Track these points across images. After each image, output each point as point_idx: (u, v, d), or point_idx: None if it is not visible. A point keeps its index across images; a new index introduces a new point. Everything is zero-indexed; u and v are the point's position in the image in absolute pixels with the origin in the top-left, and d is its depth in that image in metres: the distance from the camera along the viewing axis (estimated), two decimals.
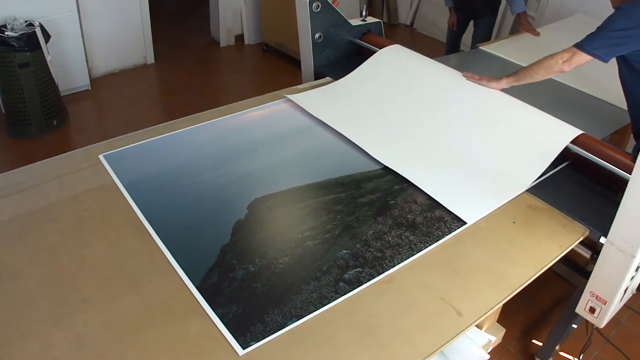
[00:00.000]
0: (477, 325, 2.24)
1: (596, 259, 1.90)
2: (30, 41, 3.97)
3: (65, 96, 4.60)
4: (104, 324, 1.50)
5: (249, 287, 1.63)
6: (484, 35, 4.37)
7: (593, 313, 2.00)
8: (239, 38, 6.11)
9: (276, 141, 2.39)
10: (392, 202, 2.03)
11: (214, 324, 1.50)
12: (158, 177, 2.13)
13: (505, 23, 5.48)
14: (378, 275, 1.68)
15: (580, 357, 2.48)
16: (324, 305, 1.57)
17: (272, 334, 1.48)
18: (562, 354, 2.56)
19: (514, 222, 1.93)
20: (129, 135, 2.36)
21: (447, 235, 1.86)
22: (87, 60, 4.91)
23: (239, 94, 4.18)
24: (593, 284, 1.95)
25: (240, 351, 1.42)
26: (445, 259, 1.77)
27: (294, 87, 2.82)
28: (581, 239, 1.91)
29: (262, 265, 1.71)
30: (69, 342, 1.44)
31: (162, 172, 2.16)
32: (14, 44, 3.89)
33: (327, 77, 2.92)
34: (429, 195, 2.04)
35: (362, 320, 1.54)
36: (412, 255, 1.76)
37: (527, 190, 2.08)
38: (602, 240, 1.88)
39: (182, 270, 1.67)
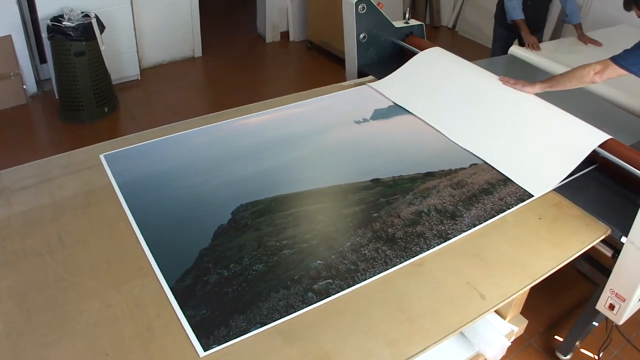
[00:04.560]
0: (501, 316, 2.36)
1: (617, 257, 2.00)
2: (86, 31, 4.16)
3: (116, 85, 4.79)
4: (161, 289, 1.66)
5: (220, 292, 1.66)
6: None
7: (612, 310, 2.09)
8: (285, 35, 6.24)
9: (272, 147, 2.40)
10: (375, 215, 2.02)
11: (181, 324, 1.56)
12: (154, 177, 2.17)
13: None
14: (348, 288, 1.69)
15: (600, 355, 2.57)
16: (289, 314, 1.60)
17: (234, 338, 1.52)
18: (582, 350, 2.64)
19: (540, 218, 2.04)
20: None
21: (425, 251, 1.85)
22: (137, 51, 5.09)
23: (282, 89, 4.30)
24: (613, 282, 2.04)
25: (201, 353, 1.48)
26: (472, 248, 1.89)
27: (338, 84, 2.96)
28: (602, 237, 2.00)
29: (236, 271, 1.74)
30: (127, 303, 1.61)
31: (159, 173, 2.20)
32: (71, 33, 4.08)
33: (370, 76, 3.05)
34: (412, 210, 2.04)
35: (393, 298, 1.68)
36: (385, 270, 1.77)
37: (554, 189, 2.19)
38: (623, 239, 1.97)
39: (159, 271, 1.72)
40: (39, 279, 1.67)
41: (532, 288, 1.86)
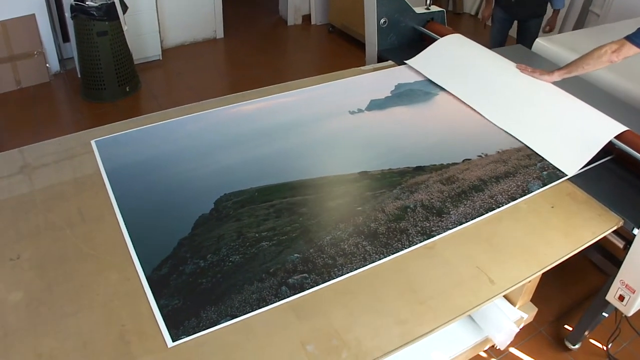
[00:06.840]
0: (511, 302, 2.39)
1: (628, 249, 2.01)
2: (109, 11, 4.21)
3: (137, 65, 4.85)
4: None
5: (194, 282, 1.64)
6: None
7: (622, 301, 2.10)
8: (306, 18, 6.26)
9: (262, 136, 2.34)
10: (360, 209, 1.96)
11: (153, 313, 1.55)
12: (142, 164, 2.14)
13: (570, 18, 5.48)
14: (323, 283, 1.66)
15: (609, 346, 2.59)
16: (260, 307, 1.57)
17: (204, 329, 1.50)
18: (591, 341, 2.66)
19: (553, 207, 2.05)
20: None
21: (407, 248, 1.80)
22: (159, 32, 5.15)
23: (303, 72, 4.34)
24: (624, 273, 2.06)
25: (169, 343, 1.46)
26: (485, 233, 1.90)
27: (357, 68, 2.97)
28: (614, 228, 2.01)
29: (212, 262, 1.71)
30: (145, 277, 1.65)
31: (149, 159, 2.17)
32: (94, 13, 4.14)
33: (389, 61, 3.06)
34: (398, 205, 1.99)
35: (404, 279, 1.71)
36: (364, 266, 1.73)
37: (568, 179, 2.19)
38: (635, 231, 1.98)
39: (137, 259, 1.71)
40: (60, 251, 1.72)
41: (543, 277, 1.88)
